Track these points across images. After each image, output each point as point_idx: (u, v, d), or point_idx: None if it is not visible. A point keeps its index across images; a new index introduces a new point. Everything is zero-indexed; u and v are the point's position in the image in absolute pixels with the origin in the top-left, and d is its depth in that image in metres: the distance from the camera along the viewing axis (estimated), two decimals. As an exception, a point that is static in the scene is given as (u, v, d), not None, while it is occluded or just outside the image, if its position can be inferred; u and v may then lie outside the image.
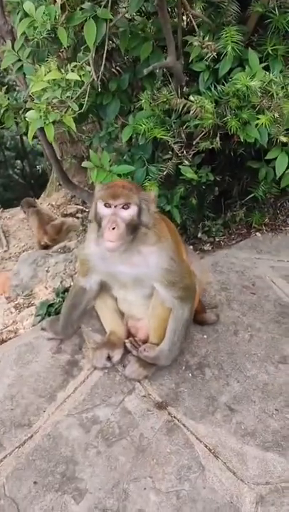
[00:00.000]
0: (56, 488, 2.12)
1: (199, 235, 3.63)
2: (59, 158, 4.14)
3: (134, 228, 2.17)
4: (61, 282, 3.50)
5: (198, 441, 2.30)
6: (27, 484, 2.14)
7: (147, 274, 2.32)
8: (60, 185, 5.35)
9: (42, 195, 6.12)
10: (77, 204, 5.27)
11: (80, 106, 2.49)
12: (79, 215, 4.99)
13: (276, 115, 2.47)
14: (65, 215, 5.11)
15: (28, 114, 2.45)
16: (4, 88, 3.11)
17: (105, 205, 2.16)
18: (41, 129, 3.09)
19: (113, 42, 3.03)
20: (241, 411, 2.44)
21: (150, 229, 2.23)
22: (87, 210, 5.01)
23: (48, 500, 2.08)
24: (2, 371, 2.65)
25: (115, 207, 2.14)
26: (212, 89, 2.70)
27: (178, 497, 2.09)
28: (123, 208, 2.14)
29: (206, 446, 2.28)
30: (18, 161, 12.73)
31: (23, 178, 12.75)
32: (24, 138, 11.59)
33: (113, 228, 2.10)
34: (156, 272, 2.30)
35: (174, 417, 2.40)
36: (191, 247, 3.53)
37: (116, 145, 3.25)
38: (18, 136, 11.35)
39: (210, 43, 2.50)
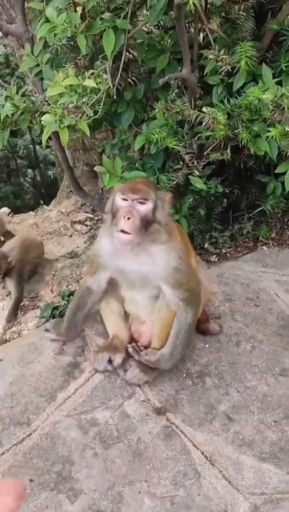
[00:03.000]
0: (52, 487, 2.13)
1: (206, 245, 3.66)
2: (71, 165, 4.20)
3: (147, 223, 2.21)
4: (67, 286, 3.53)
5: (195, 449, 2.30)
6: (23, 481, 2.15)
7: (156, 272, 2.34)
8: (70, 191, 5.41)
9: (52, 202, 6.19)
10: (86, 212, 5.31)
11: (95, 113, 2.56)
12: (88, 222, 5.04)
13: (287, 128, 2.52)
14: (74, 223, 5.15)
15: (44, 117, 2.51)
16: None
17: (123, 198, 2.21)
18: (55, 134, 3.17)
19: (130, 53, 3.11)
20: (239, 421, 2.44)
21: (162, 226, 2.27)
22: (96, 218, 5.06)
23: (43, 499, 2.09)
24: (4, 369, 2.68)
25: (132, 200, 2.19)
26: (225, 102, 2.76)
27: (172, 502, 2.09)
28: (140, 202, 2.19)
29: (202, 454, 2.28)
30: (30, 170, 12.89)
31: (33, 187, 12.89)
32: (37, 147, 11.79)
33: (128, 218, 2.14)
34: (164, 271, 2.32)
35: (172, 423, 2.41)
36: (198, 257, 3.55)
37: (128, 153, 3.31)
38: (31, 146, 11.52)
39: (225, 56, 2.55)
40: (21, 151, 11.81)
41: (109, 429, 2.37)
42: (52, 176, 7.27)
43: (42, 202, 8.77)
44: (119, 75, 2.64)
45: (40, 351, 2.78)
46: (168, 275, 2.33)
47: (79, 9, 2.42)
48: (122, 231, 2.15)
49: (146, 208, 2.20)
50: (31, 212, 5.93)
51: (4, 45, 10.55)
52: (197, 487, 2.15)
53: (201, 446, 2.31)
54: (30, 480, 2.15)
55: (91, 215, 5.19)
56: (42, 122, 2.57)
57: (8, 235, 4.43)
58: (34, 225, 5.44)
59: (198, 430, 2.38)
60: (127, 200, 2.20)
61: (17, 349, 2.82)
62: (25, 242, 3.86)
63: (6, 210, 5.78)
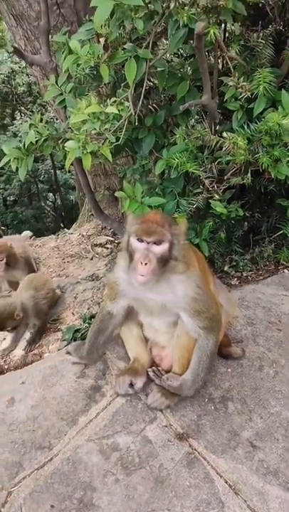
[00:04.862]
0: (73, 514, 2.11)
1: (226, 268, 3.65)
2: (92, 189, 4.27)
3: (164, 262, 2.22)
4: (88, 309, 3.55)
5: (219, 477, 2.26)
6: (44, 507, 2.13)
7: (174, 301, 2.34)
8: (91, 215, 5.49)
9: (73, 226, 6.29)
10: (107, 235, 5.38)
11: (117, 139, 2.62)
12: (108, 245, 5.09)
13: (307, 153, 2.53)
14: (95, 245, 5.21)
15: (68, 143, 2.58)
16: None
17: (138, 240, 2.22)
18: (78, 160, 3.23)
19: (151, 81, 3.18)
20: (264, 448, 2.39)
21: (180, 261, 2.28)
22: (116, 241, 5.11)
23: (64, 526, 2.07)
24: (26, 392, 2.69)
25: (148, 243, 2.20)
26: (245, 127, 2.79)
27: (195, 532, 2.05)
28: (155, 243, 2.20)
29: (226, 482, 2.23)
30: (51, 194, 13.14)
31: (54, 210, 13.14)
32: (58, 172, 12.05)
33: (146, 263, 2.16)
34: (182, 300, 2.32)
35: (195, 449, 2.37)
36: (218, 280, 3.54)
37: (149, 178, 3.35)
38: (52, 170, 11.79)
39: (244, 83, 2.60)
40: (42, 176, 12.09)
41: (131, 454, 2.34)
42: (73, 200, 7.40)
43: (62, 225, 8.91)
44: (140, 102, 2.70)
45: (62, 374, 2.78)
46: (186, 305, 2.33)
47: (102, 40, 2.50)
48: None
49: (162, 248, 2.20)
50: (53, 235, 6.03)
51: (27, 75, 10.94)
52: (221, 517, 2.10)
53: (225, 474, 2.27)
54: (52, 506, 2.14)
55: (111, 238, 5.25)
56: (66, 149, 2.63)
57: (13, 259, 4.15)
58: (55, 248, 5.52)
59: (222, 457, 2.34)
60: (142, 241, 2.21)
61: (39, 372, 2.83)
62: (33, 281, 3.84)
63: (28, 233, 5.88)
